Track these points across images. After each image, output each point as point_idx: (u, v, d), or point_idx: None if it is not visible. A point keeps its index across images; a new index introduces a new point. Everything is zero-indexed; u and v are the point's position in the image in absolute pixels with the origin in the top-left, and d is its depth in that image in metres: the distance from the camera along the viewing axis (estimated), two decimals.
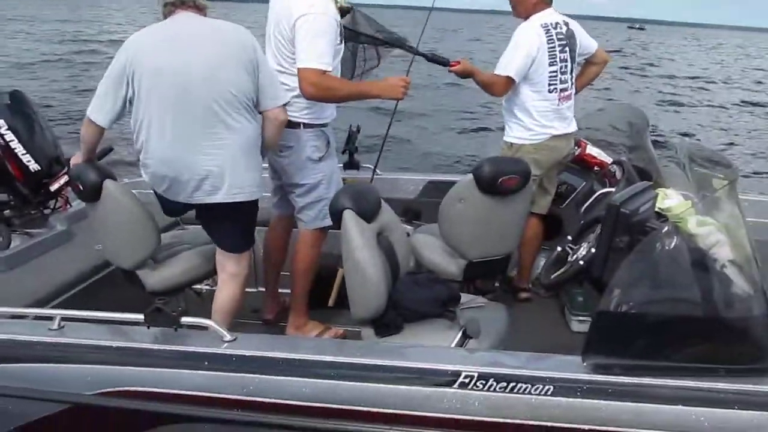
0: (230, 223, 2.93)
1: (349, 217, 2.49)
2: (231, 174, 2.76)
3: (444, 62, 3.63)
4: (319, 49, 2.94)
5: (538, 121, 3.54)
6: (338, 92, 3.10)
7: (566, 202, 3.78)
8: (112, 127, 2.87)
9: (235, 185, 2.78)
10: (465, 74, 3.59)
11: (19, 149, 3.79)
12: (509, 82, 3.47)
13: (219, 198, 2.78)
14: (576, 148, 3.78)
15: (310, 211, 3.25)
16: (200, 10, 2.85)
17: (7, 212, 3.95)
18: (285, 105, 2.88)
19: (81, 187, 2.92)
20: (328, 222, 3.01)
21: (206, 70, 2.68)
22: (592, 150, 3.78)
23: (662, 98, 20.17)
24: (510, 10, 3.68)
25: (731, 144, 13.44)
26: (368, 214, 2.58)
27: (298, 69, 2.96)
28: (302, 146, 3.14)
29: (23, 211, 3.95)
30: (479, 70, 3.62)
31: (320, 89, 2.97)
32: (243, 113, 2.75)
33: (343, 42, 3.16)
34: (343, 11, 3.41)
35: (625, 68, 27.47)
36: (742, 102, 19.94)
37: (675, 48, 54.35)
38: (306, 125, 3.13)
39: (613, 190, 3.27)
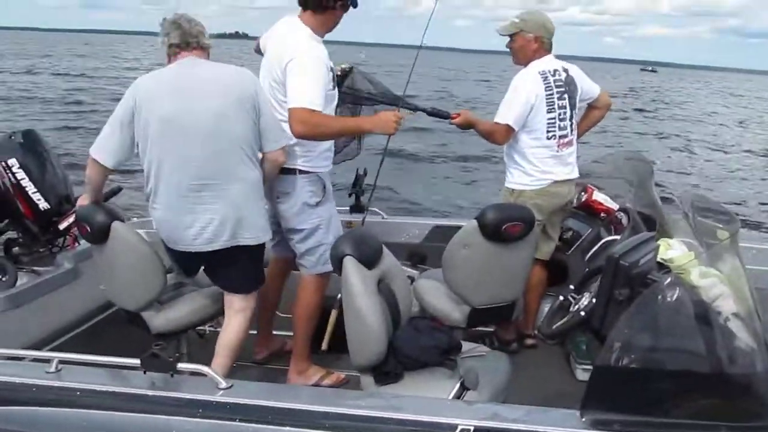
0: (235, 268, 2.95)
1: (350, 264, 2.48)
2: (234, 221, 2.81)
3: (445, 115, 3.69)
4: (308, 89, 2.93)
5: (538, 167, 3.53)
6: (328, 129, 3.09)
7: (572, 249, 3.77)
8: (117, 168, 2.90)
9: (239, 231, 2.83)
10: (466, 126, 3.63)
11: (30, 188, 3.85)
12: (509, 130, 3.48)
13: (218, 245, 2.82)
14: (582, 194, 3.77)
15: (311, 257, 3.25)
16: (204, 50, 2.92)
17: (15, 249, 4.01)
18: (284, 147, 2.95)
19: (88, 229, 2.94)
20: (330, 267, 2.98)
21: (211, 124, 2.74)
22: (598, 196, 3.77)
23: (673, 142, 20.26)
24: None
25: (740, 187, 13.40)
26: (369, 261, 2.57)
27: (288, 110, 2.95)
28: (299, 192, 3.15)
29: (32, 249, 4.02)
30: (480, 120, 3.65)
31: (309, 126, 2.93)
32: (246, 162, 2.81)
33: (336, 89, 3.18)
34: (344, 73, 3.55)
35: (640, 110, 27.64)
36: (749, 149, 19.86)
37: (686, 90, 54.66)
38: (302, 171, 3.14)
39: (618, 237, 3.25)
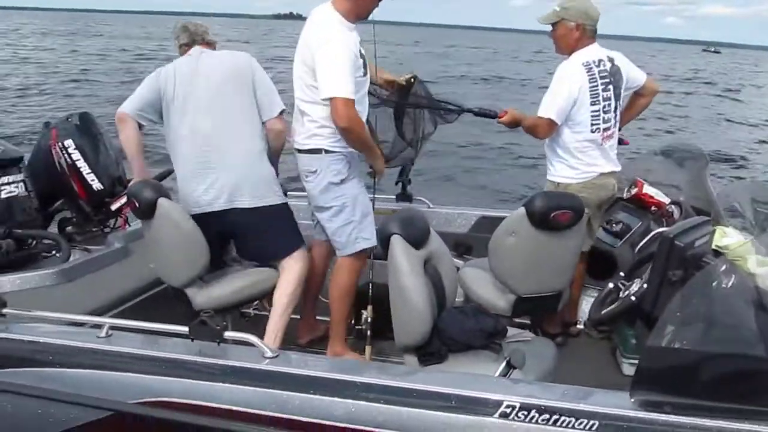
0: (267, 232, 3.20)
1: (397, 242, 2.48)
2: (231, 186, 3.11)
3: (492, 115, 3.68)
4: (340, 77, 3.01)
5: (582, 160, 3.48)
6: (362, 134, 3.16)
7: (621, 242, 3.70)
8: (141, 122, 3.24)
9: (236, 195, 3.12)
10: (513, 124, 3.60)
11: (85, 168, 3.94)
12: (552, 124, 3.42)
13: (218, 206, 3.12)
14: (633, 187, 3.71)
15: (341, 237, 3.28)
16: (209, 45, 3.44)
17: (69, 228, 4.10)
18: (281, 114, 3.26)
19: (137, 204, 3.02)
20: (362, 246, 3.26)
21: (211, 98, 3.17)
22: (649, 189, 3.69)
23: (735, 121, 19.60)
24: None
25: None
26: (417, 241, 2.57)
27: (330, 99, 3.03)
28: (324, 170, 3.21)
29: (85, 228, 4.11)
30: (525, 116, 3.60)
31: (352, 123, 3.05)
32: (245, 131, 3.19)
33: (367, 75, 3.23)
34: (408, 84, 3.70)
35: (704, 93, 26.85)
36: None
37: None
38: (327, 151, 3.19)
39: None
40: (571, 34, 3.47)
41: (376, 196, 3.58)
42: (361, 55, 3.17)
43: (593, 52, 3.49)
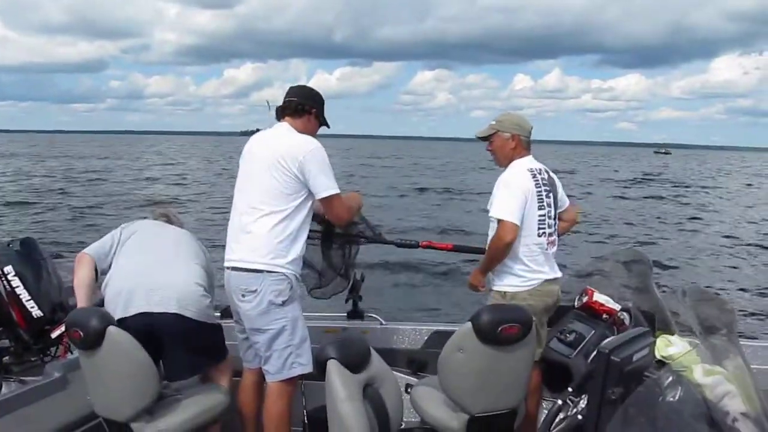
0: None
1: (334, 368, 2.40)
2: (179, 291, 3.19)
3: (413, 245, 4.02)
4: (331, 177, 3.23)
5: (529, 267, 3.48)
6: (351, 211, 3.57)
7: (576, 352, 3.63)
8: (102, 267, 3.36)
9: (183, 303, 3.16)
10: (479, 277, 3.66)
11: (24, 295, 3.80)
12: (514, 227, 3.41)
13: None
14: (583, 295, 3.70)
15: (277, 361, 3.18)
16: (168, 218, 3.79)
17: (6, 359, 3.91)
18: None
19: (81, 333, 2.89)
20: (298, 372, 3.17)
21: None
22: (599, 297, 3.68)
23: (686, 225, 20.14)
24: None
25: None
26: (355, 365, 2.49)
27: (330, 197, 3.22)
28: (264, 290, 3.13)
29: (23, 358, 3.91)
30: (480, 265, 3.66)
31: (351, 213, 3.53)
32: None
33: None
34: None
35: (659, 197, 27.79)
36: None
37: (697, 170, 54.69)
38: (269, 271, 3.14)
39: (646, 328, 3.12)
40: (507, 144, 3.58)
41: (325, 314, 3.52)
42: None
43: (532, 161, 3.59)
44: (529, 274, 3.48)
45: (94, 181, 31.11)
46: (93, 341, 2.85)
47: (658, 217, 22.43)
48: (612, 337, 2.54)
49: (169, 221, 3.78)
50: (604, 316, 3.65)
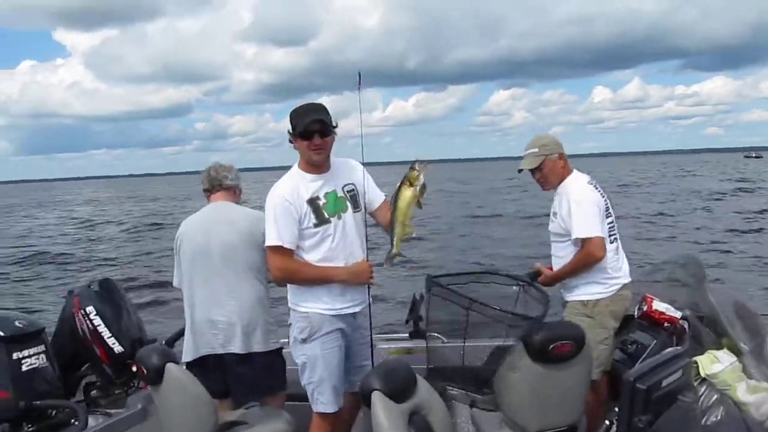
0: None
1: (377, 400, 2.43)
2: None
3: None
4: (270, 228, 3.16)
5: (609, 273, 3.50)
6: (302, 275, 3.22)
7: (637, 363, 3.56)
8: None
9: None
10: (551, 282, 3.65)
11: (106, 333, 4.07)
12: (601, 240, 3.43)
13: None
14: (642, 304, 3.63)
15: (308, 393, 3.31)
16: (228, 190, 3.74)
17: (94, 392, 4.19)
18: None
19: (144, 370, 3.08)
20: (321, 409, 3.26)
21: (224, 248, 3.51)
22: (659, 305, 3.60)
23: None
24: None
25: None
26: (399, 394, 2.51)
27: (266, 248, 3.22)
28: (293, 326, 3.30)
29: (108, 392, 4.18)
30: (556, 271, 3.62)
31: (285, 273, 3.22)
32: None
33: (323, 225, 3.20)
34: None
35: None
36: None
37: None
38: (293, 309, 3.29)
39: (680, 348, 3.06)
40: (556, 165, 3.60)
41: (389, 335, 3.56)
42: (312, 201, 3.18)
43: (581, 174, 3.59)
44: (610, 280, 3.50)
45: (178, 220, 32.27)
46: (154, 377, 3.03)
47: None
48: (640, 364, 2.48)
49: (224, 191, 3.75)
50: (666, 324, 3.57)
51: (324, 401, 3.25)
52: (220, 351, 3.49)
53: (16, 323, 3.76)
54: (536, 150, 3.61)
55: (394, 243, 3.18)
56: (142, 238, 24.98)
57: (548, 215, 3.74)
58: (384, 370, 2.60)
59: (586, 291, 3.52)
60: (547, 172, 3.61)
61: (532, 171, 3.64)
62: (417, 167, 3.09)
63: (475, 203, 35.07)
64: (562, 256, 3.63)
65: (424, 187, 3.12)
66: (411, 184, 3.10)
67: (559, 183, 3.60)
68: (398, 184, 3.13)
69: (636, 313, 3.68)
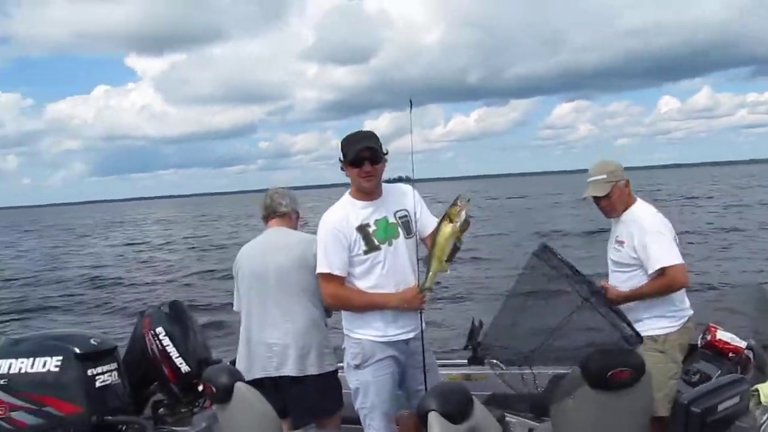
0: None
1: (434, 420, 2.47)
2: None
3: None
4: (320, 255, 3.27)
5: (676, 306, 3.41)
6: (352, 302, 3.31)
7: None
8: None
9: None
10: (621, 301, 3.47)
11: (174, 353, 4.22)
12: (685, 267, 3.35)
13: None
14: (706, 333, 3.55)
15: (361, 419, 3.35)
16: (283, 217, 3.85)
17: (161, 410, 4.35)
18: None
19: (213, 389, 3.19)
20: None
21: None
22: (723, 335, 3.52)
23: None
24: None
25: None
26: (456, 415, 2.55)
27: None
28: (347, 351, 3.37)
29: (175, 410, 4.33)
30: (631, 291, 3.47)
31: (335, 300, 3.34)
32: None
33: (372, 251, 3.25)
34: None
35: None
36: None
37: None
38: (347, 336, 3.35)
39: (744, 376, 2.99)
40: (624, 191, 3.53)
41: (447, 361, 3.58)
42: (361, 228, 3.24)
43: (645, 201, 3.54)
44: (678, 312, 3.42)
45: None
46: (223, 396, 3.13)
47: None
48: (696, 388, 2.44)
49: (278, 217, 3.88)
50: (731, 354, 3.49)
51: (375, 427, 3.29)
52: (274, 374, 3.59)
53: (92, 341, 3.94)
54: (604, 176, 3.51)
55: (428, 277, 3.21)
56: (207, 259, 25.60)
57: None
58: (441, 392, 2.64)
59: (655, 326, 3.42)
60: (615, 199, 3.52)
61: (597, 198, 3.55)
62: (459, 203, 3.13)
63: (539, 218, 34.35)
64: (623, 286, 3.53)
65: (466, 224, 3.14)
66: (451, 221, 3.13)
67: (624, 210, 3.51)
68: (439, 219, 3.17)
69: (700, 342, 3.61)
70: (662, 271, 3.32)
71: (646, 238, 3.37)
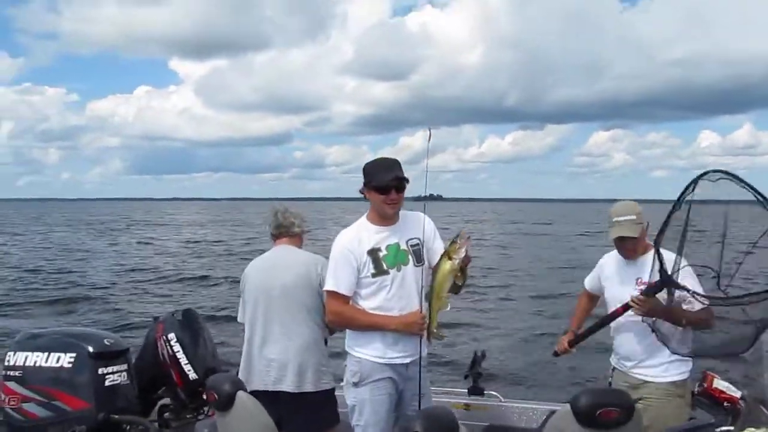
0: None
1: None
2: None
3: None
4: (329, 273, 3.40)
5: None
6: (355, 321, 3.42)
7: None
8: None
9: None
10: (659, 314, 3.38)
11: (183, 359, 4.34)
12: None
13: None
14: (704, 381, 3.56)
15: None
16: (293, 237, 4.02)
17: (167, 414, 4.46)
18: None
19: (215, 396, 3.30)
20: None
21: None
22: (719, 384, 3.52)
23: None
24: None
25: None
26: None
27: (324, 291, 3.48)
28: (347, 368, 3.46)
29: (180, 415, 4.45)
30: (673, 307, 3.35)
31: (339, 317, 3.45)
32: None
33: (380, 275, 3.33)
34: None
35: None
36: None
37: None
38: (347, 353, 3.45)
39: (732, 428, 3.01)
40: (645, 233, 3.54)
41: (447, 390, 3.62)
42: (371, 252, 3.34)
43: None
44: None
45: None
46: (225, 403, 3.24)
47: None
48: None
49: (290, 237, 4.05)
50: (726, 404, 3.49)
51: None
52: (271, 388, 3.73)
53: (105, 341, 4.09)
54: (634, 217, 3.48)
55: (432, 317, 3.28)
56: (237, 265, 25.83)
57: None
58: (427, 414, 2.68)
59: (676, 371, 3.45)
60: (639, 241, 3.52)
61: (623, 239, 3.50)
62: (459, 240, 3.20)
63: (557, 248, 33.98)
64: (634, 328, 3.52)
65: (466, 260, 3.21)
66: (450, 258, 3.20)
67: (643, 252, 3.52)
68: (440, 256, 3.26)
69: (696, 389, 3.61)
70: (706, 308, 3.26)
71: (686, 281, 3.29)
